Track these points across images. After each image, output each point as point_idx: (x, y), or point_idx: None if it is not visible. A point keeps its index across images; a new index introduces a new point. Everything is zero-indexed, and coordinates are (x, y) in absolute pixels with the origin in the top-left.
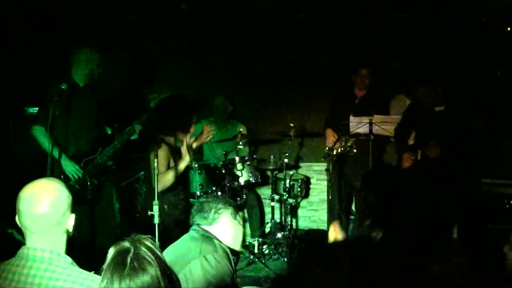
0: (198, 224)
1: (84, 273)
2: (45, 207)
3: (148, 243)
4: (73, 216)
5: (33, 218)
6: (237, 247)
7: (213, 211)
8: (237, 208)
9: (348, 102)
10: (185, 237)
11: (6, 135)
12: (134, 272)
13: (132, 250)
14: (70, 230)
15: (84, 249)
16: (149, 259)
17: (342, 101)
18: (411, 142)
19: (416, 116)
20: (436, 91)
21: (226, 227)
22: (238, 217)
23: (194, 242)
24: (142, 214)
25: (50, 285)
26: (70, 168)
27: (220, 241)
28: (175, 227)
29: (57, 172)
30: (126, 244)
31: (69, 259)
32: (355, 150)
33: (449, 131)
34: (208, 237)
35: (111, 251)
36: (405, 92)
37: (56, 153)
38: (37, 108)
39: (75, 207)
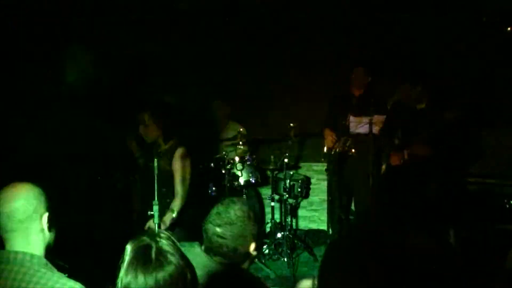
0: (228, 264)
1: (56, 275)
2: (15, 203)
3: (166, 236)
4: (47, 214)
5: (4, 216)
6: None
7: (240, 248)
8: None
9: (346, 101)
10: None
11: (6, 135)
12: (160, 266)
13: (153, 244)
14: (46, 230)
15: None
16: (172, 251)
17: (340, 101)
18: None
19: (399, 114)
20: (416, 90)
21: (252, 251)
22: (258, 230)
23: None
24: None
25: (21, 287)
26: None
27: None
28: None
29: None
30: (146, 239)
31: (43, 260)
32: (353, 150)
33: (430, 128)
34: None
35: (130, 247)
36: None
37: None
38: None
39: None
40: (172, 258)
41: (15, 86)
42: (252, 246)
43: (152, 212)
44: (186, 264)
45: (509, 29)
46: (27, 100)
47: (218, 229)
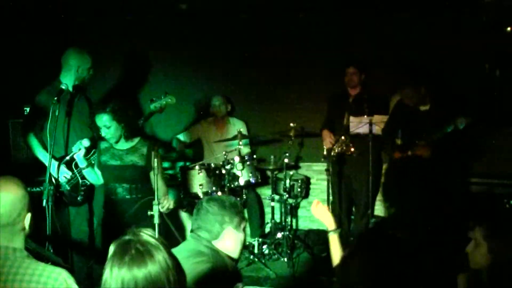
0: (201, 236)
1: (41, 265)
2: (1, 207)
3: (148, 231)
4: (29, 215)
5: None
6: (236, 255)
7: (217, 225)
8: (241, 211)
9: (343, 101)
10: (190, 249)
11: (5, 135)
12: (140, 257)
13: (134, 238)
14: (27, 228)
15: (81, 248)
16: (153, 242)
17: (337, 101)
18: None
19: (401, 114)
20: (420, 91)
21: (229, 241)
22: (242, 225)
23: (201, 257)
24: None
25: (9, 279)
26: (61, 170)
27: (224, 254)
28: None
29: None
30: (126, 236)
31: (25, 252)
32: (352, 149)
33: (433, 131)
34: (217, 253)
35: (113, 245)
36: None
37: (47, 155)
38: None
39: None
40: (153, 250)
41: (15, 86)
42: (228, 230)
43: (152, 212)
44: (169, 255)
45: (509, 29)
46: (26, 100)
47: (204, 202)
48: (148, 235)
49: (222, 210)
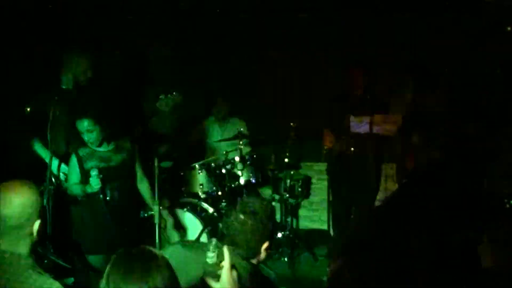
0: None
1: (42, 277)
2: (11, 209)
3: (151, 247)
4: (38, 222)
5: None
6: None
7: (259, 245)
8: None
9: (345, 101)
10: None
11: (5, 135)
12: (146, 272)
13: (138, 252)
14: (35, 234)
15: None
16: (159, 257)
17: (339, 101)
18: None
19: (417, 116)
20: (436, 94)
21: (261, 254)
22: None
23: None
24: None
25: (8, 287)
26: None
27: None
28: None
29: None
30: (129, 250)
31: (30, 260)
32: (352, 148)
33: (447, 133)
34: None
35: (115, 258)
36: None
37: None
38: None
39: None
40: (160, 270)
41: (15, 85)
42: (265, 244)
43: (152, 212)
44: (176, 279)
45: (509, 29)
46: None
47: (241, 215)
48: (152, 250)
49: (261, 224)
